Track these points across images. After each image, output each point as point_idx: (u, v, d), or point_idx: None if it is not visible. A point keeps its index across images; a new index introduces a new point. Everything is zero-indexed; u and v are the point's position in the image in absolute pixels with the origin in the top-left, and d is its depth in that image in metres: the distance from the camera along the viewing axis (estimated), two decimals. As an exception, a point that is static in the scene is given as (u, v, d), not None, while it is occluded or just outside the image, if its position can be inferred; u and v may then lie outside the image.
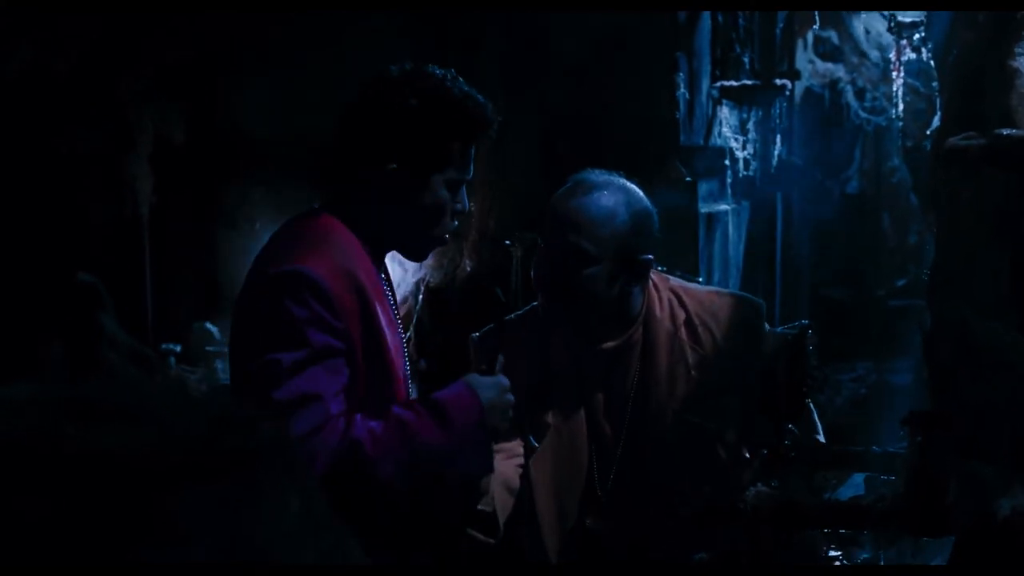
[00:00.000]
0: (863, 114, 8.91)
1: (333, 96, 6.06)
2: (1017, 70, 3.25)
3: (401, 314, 3.44)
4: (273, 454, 1.53)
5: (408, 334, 6.04)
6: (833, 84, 8.86)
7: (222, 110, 6.41)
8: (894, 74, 6.32)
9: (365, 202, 2.94)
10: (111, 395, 1.48)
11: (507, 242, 5.43)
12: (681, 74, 6.03)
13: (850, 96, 8.86)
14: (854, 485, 3.80)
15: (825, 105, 8.90)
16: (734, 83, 6.70)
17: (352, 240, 2.90)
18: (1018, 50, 3.27)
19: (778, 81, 6.80)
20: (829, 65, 8.76)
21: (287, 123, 6.20)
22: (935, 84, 8.04)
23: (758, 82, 6.74)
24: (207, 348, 6.19)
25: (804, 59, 8.49)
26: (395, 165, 2.87)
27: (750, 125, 6.92)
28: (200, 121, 6.44)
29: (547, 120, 6.06)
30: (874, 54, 8.73)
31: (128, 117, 6.23)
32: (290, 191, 6.35)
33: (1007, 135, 2.75)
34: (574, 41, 6.02)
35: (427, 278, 6.23)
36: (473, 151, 3.02)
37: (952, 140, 2.81)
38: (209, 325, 6.33)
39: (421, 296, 6.10)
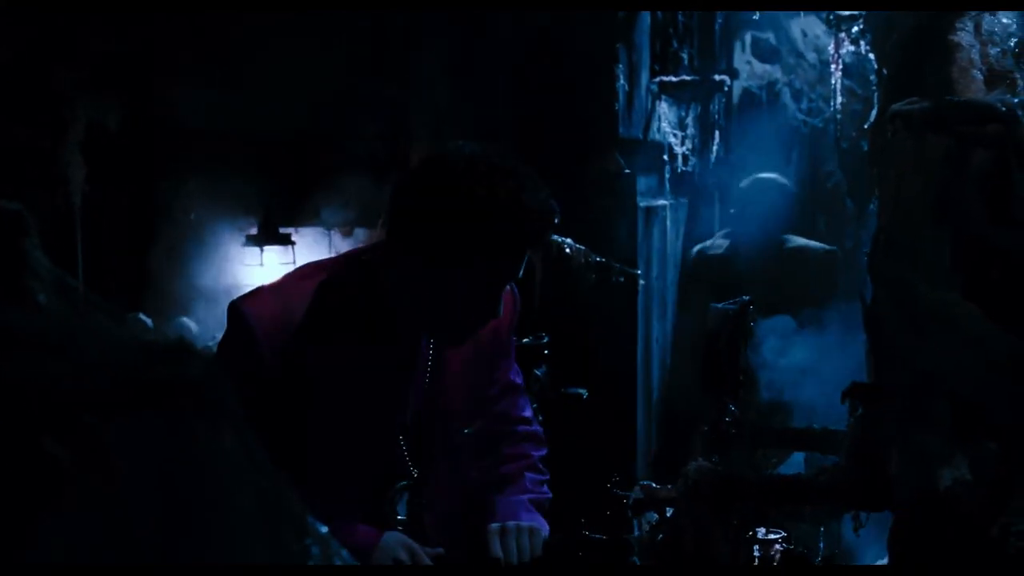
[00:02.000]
0: (800, 115, 8.96)
1: (270, 90, 6.07)
2: (959, 44, 3.27)
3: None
4: (205, 388, 1.48)
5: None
6: (770, 85, 8.89)
7: (158, 101, 6.32)
8: (832, 67, 6.33)
9: (402, 273, 2.72)
10: (32, 324, 1.43)
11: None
12: (621, 66, 6.03)
13: (787, 97, 8.91)
14: (794, 464, 3.80)
15: (762, 106, 8.93)
16: (673, 78, 6.70)
17: (349, 297, 2.75)
18: (959, 25, 3.29)
19: (717, 77, 6.81)
20: (767, 66, 8.80)
21: (224, 115, 6.14)
22: (873, 83, 8.12)
23: (697, 77, 6.75)
24: (141, 340, 6.07)
25: (742, 60, 8.52)
26: (435, 249, 2.63)
27: (688, 121, 6.93)
28: (135, 112, 6.35)
29: (487, 111, 6.04)
30: (811, 56, 8.79)
31: (62, 107, 6.14)
32: (226, 183, 6.29)
33: (950, 100, 2.75)
34: (514, 33, 6.01)
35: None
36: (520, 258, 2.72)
37: (896, 105, 2.81)
38: (142, 316, 6.23)
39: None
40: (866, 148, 8.22)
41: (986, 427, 2.95)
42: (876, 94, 3.70)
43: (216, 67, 6.16)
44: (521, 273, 2.75)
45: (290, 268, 6.12)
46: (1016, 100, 2.72)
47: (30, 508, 1.20)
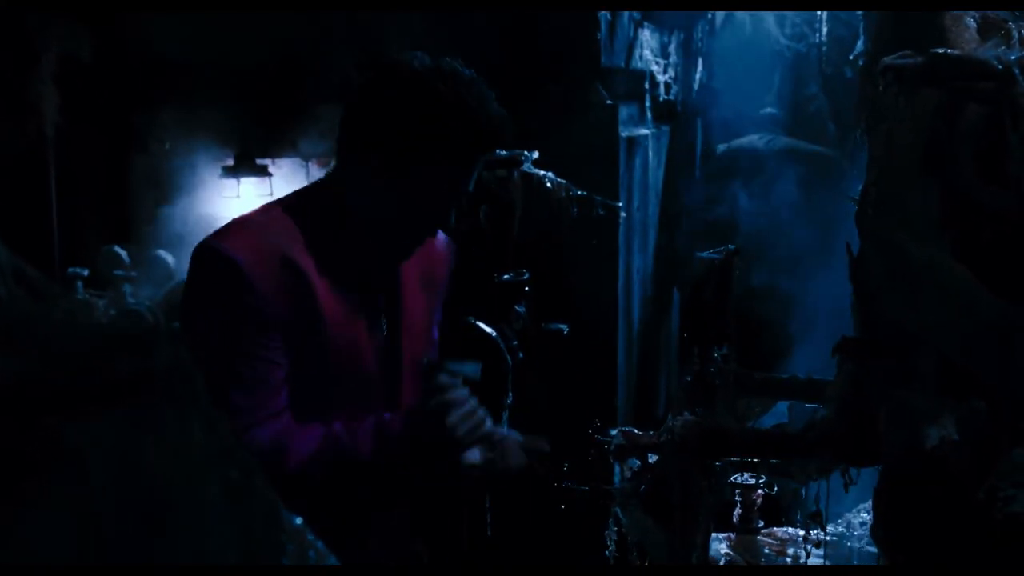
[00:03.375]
0: (783, 40, 8.86)
1: (244, 19, 5.95)
2: (958, 15, 3.20)
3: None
4: (173, 379, 1.43)
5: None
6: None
7: (132, 30, 6.20)
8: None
9: (355, 188, 2.75)
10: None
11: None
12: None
13: (770, 23, 8.80)
14: (777, 413, 3.77)
15: (745, 31, 8.82)
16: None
17: (317, 222, 2.74)
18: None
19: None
20: (747, -11, 8.68)
21: (200, 45, 6.03)
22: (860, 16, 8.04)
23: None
24: (116, 272, 6.02)
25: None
26: (383, 158, 2.69)
27: (671, 48, 6.83)
28: (109, 41, 6.24)
29: (466, 40, 5.92)
30: (795, -17, 8.68)
31: (33, 39, 6.02)
32: (202, 113, 6.20)
33: (944, 53, 2.69)
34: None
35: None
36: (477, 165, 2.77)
37: (888, 59, 2.74)
38: (118, 248, 6.17)
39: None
40: (850, 74, 8.16)
41: (973, 386, 2.92)
42: (862, 25, 3.62)
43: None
44: (472, 187, 2.78)
45: (268, 199, 6.08)
46: (1013, 57, 2.65)
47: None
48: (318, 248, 2.69)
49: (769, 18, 8.86)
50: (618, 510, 3.47)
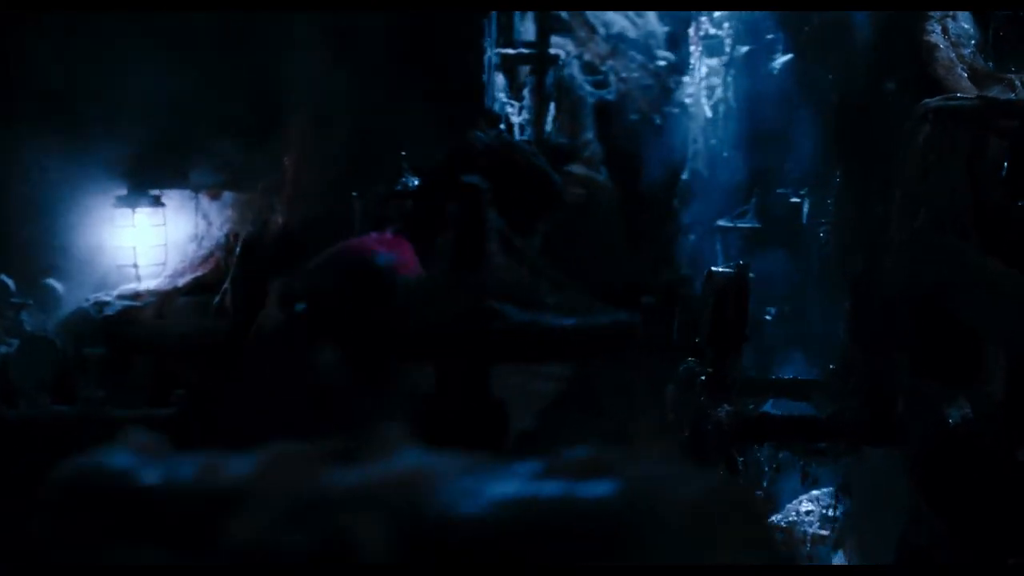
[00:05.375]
0: (587, 88, 9.42)
1: (139, 51, 6.09)
2: (935, 44, 3.78)
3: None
4: None
5: (225, 286, 6.13)
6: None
7: (18, 60, 6.23)
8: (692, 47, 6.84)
9: None
10: None
11: (354, 194, 5.60)
12: (489, 40, 6.36)
13: (576, 70, 9.35)
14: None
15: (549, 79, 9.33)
16: (511, 51, 7.07)
17: None
18: (928, 27, 3.81)
19: (552, 50, 7.22)
20: (558, 39, 9.22)
21: (91, 75, 6.12)
22: (661, 61, 8.67)
23: (534, 51, 7.13)
24: (12, 300, 6.03)
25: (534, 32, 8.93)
26: None
27: (525, 92, 7.30)
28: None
29: (361, 80, 6.23)
30: (603, 30, 9.25)
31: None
32: (94, 145, 6.27)
33: (991, 97, 3.26)
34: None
35: (234, 231, 6.31)
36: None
37: (933, 101, 3.30)
38: (5, 278, 6.15)
39: (238, 249, 6.17)
40: (658, 121, 8.78)
41: (980, 371, 3.49)
42: (835, 92, 4.17)
43: (81, 25, 6.13)
44: None
45: (161, 229, 6.22)
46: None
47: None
48: None
49: (574, 64, 9.43)
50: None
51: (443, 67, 6.29)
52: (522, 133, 7.30)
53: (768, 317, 5.37)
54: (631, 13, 9.24)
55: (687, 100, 8.06)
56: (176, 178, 6.38)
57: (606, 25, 9.28)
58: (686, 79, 8.47)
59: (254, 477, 1.16)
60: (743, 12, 5.92)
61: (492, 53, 6.74)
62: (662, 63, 8.64)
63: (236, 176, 6.33)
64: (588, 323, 2.40)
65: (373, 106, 6.15)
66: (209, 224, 6.35)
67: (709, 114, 7.07)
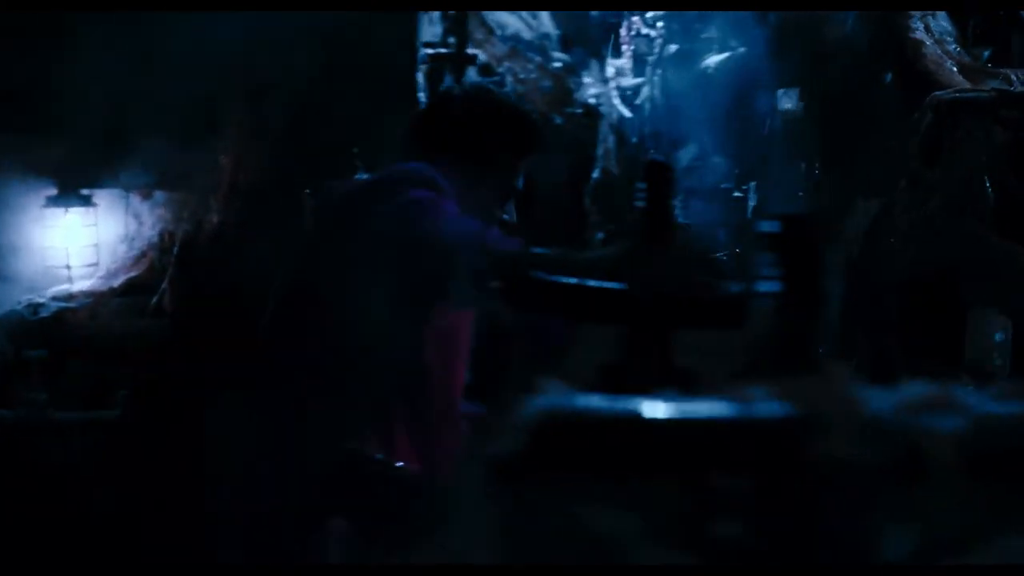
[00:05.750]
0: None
1: (69, 47, 5.99)
2: (922, 41, 3.98)
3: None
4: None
5: (163, 286, 6.08)
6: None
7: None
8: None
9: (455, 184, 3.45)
10: None
11: (307, 191, 5.60)
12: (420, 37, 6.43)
13: (472, 73, 9.45)
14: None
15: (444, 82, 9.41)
16: (430, 51, 7.13)
17: None
18: (911, 24, 4.01)
19: (469, 50, 7.30)
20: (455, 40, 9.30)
21: (16, 72, 6.02)
22: (557, 63, 8.79)
23: (453, 51, 7.21)
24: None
25: (430, 33, 8.99)
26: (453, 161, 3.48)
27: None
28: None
29: (298, 76, 6.24)
30: (499, 31, 9.36)
31: None
32: (22, 143, 6.16)
33: (1005, 90, 3.47)
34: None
35: (168, 230, 6.25)
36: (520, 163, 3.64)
37: (946, 94, 3.49)
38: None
39: (176, 249, 6.11)
40: (559, 121, 8.89)
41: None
42: (808, 87, 4.33)
43: (8, 22, 6.02)
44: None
45: (93, 229, 6.13)
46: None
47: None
48: None
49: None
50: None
51: (379, 66, 6.33)
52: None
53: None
54: (525, 14, 9.33)
55: (594, 100, 8.19)
56: (107, 178, 6.29)
57: (501, 27, 9.39)
58: (588, 79, 8.61)
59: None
60: (679, 12, 6.07)
61: (424, 52, 6.81)
62: (558, 64, 8.75)
63: (168, 175, 6.27)
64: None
65: (309, 104, 6.17)
66: (141, 224, 6.28)
67: (628, 113, 7.21)
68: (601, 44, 8.80)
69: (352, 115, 6.09)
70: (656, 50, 6.37)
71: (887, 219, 3.71)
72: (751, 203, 5.51)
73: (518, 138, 3.62)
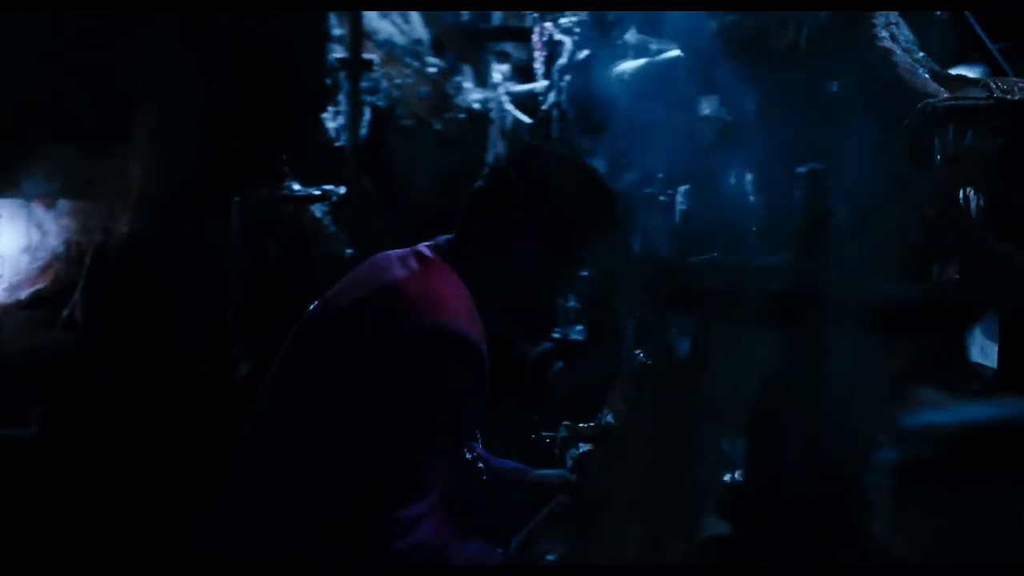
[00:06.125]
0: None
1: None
2: (891, 49, 4.08)
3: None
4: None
5: (75, 298, 5.89)
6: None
7: None
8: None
9: (483, 266, 2.94)
10: None
11: (236, 199, 5.48)
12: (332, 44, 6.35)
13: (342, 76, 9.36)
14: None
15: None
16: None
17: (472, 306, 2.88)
18: (878, 33, 4.11)
19: (365, 55, 7.24)
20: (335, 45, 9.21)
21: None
22: (432, 68, 8.75)
23: (347, 55, 7.14)
24: None
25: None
26: (524, 245, 2.93)
27: (340, 98, 7.29)
28: None
29: (210, 83, 6.10)
30: (374, 37, 9.30)
31: None
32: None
33: (1000, 96, 3.58)
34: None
35: (74, 241, 6.05)
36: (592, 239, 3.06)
37: (942, 102, 3.59)
38: None
39: (88, 260, 5.92)
40: (438, 127, 8.87)
41: None
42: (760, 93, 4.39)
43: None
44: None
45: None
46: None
47: None
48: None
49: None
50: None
51: (291, 70, 6.24)
52: (338, 139, 7.29)
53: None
54: (398, 18, 9.29)
55: (479, 105, 8.20)
56: (7, 187, 6.06)
57: (374, 32, 9.32)
58: (469, 84, 8.61)
59: None
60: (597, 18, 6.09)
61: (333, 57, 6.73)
62: (433, 69, 8.71)
63: (72, 184, 6.06)
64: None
65: (220, 109, 6.03)
66: (44, 234, 6.07)
67: (526, 119, 7.24)
68: (470, 49, 8.82)
69: (265, 120, 5.99)
70: (566, 55, 6.39)
71: (866, 221, 3.80)
72: (680, 207, 5.54)
73: (603, 221, 3.01)
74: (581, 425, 4.29)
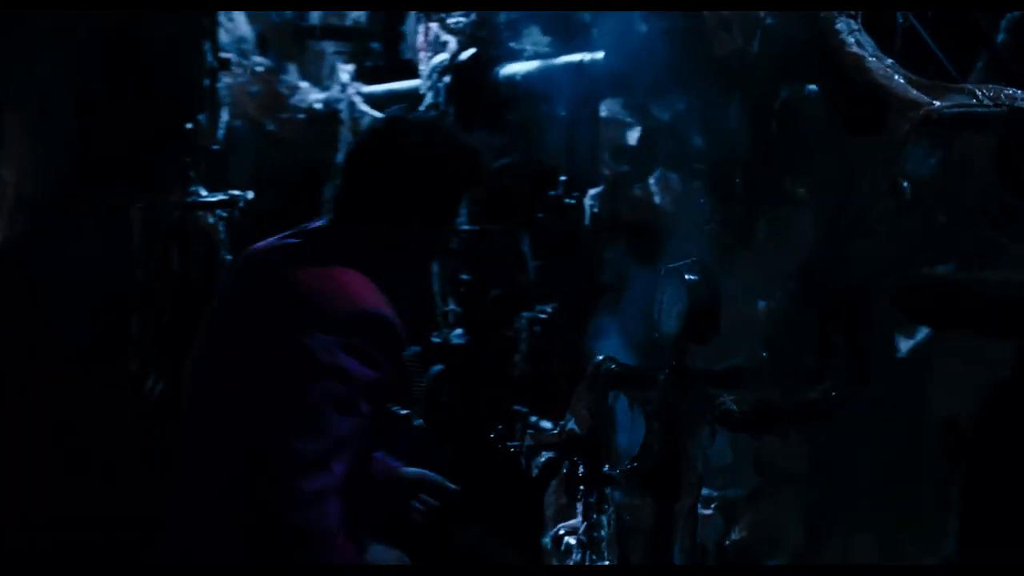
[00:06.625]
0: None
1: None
2: (862, 56, 4.13)
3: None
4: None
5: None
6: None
7: None
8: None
9: (365, 243, 3.05)
10: None
11: (139, 204, 5.19)
12: (209, 43, 6.08)
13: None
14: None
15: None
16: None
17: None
18: (843, 40, 4.16)
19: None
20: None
21: None
22: (259, 67, 8.49)
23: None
24: None
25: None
26: (397, 214, 3.07)
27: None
28: None
29: (83, 83, 5.79)
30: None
31: None
32: None
33: (976, 105, 3.65)
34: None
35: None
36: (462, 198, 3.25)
37: (947, 109, 3.65)
38: None
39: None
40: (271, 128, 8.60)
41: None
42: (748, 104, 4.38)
43: None
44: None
45: None
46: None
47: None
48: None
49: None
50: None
51: (166, 70, 5.96)
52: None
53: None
54: (222, 16, 9.00)
55: (321, 106, 8.02)
56: None
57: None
58: (305, 84, 8.44)
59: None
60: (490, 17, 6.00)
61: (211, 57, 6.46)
62: (260, 68, 8.47)
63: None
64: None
65: (94, 111, 5.73)
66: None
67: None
68: (293, 48, 8.62)
69: (143, 123, 5.72)
70: (448, 56, 6.28)
71: (855, 226, 3.84)
72: (592, 210, 5.47)
73: (465, 176, 3.19)
74: (545, 433, 4.23)
